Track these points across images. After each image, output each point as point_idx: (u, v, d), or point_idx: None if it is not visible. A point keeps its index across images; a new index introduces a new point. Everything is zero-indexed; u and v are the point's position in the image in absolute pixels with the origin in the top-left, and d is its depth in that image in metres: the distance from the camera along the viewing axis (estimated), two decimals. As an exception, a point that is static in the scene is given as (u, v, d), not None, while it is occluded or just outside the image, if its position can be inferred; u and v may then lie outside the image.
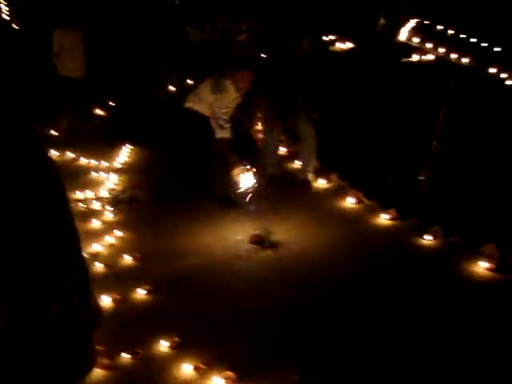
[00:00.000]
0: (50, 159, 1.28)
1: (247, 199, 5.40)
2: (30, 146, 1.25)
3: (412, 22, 9.80)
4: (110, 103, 8.89)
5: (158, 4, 8.10)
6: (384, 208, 5.51)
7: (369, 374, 3.48)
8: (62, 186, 1.31)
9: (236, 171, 5.35)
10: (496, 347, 3.69)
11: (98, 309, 1.49)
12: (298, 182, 6.24)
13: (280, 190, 6.09)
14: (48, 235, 1.23)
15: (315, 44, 6.13)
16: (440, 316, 4.00)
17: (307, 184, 6.20)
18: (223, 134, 5.43)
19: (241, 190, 5.34)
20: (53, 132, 8.20)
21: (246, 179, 5.34)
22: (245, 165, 5.40)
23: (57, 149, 7.46)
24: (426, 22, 9.99)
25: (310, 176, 6.27)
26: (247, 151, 5.94)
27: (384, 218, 5.40)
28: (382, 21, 9.51)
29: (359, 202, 5.74)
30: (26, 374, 1.29)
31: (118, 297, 4.20)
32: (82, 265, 1.38)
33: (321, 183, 6.26)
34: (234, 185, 5.43)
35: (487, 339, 3.76)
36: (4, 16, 10.23)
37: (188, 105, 5.75)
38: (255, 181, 5.36)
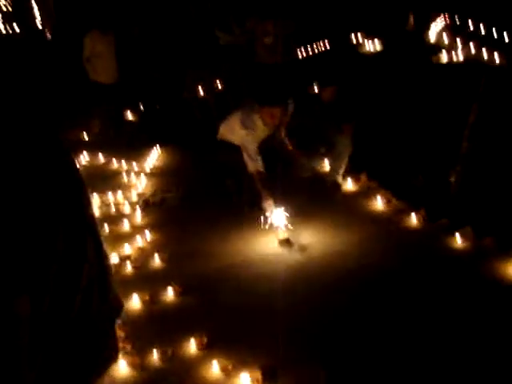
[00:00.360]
0: (74, 166, 1.34)
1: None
2: (55, 156, 1.30)
3: (442, 20, 9.64)
4: (141, 107, 9.04)
5: (186, 8, 8.18)
6: (414, 209, 5.45)
7: (396, 376, 3.45)
8: (84, 191, 1.36)
9: (268, 207, 5.23)
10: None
11: (118, 302, 1.54)
12: (327, 184, 6.21)
13: (309, 192, 6.08)
14: (67, 235, 1.28)
15: (340, 90, 6.10)
16: (470, 319, 3.93)
17: (336, 186, 6.17)
18: (255, 166, 5.33)
19: (272, 227, 5.19)
20: (85, 136, 8.38)
21: (277, 217, 5.16)
22: (277, 201, 5.31)
23: (89, 152, 7.64)
24: (457, 20, 9.83)
25: (340, 179, 6.23)
26: (281, 161, 5.89)
27: (414, 219, 5.34)
28: (412, 20, 9.42)
29: (388, 202, 5.69)
30: (52, 364, 1.34)
31: (147, 297, 4.27)
32: (102, 260, 1.43)
33: (350, 184, 6.22)
34: (264, 219, 5.30)
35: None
36: (38, 24, 10.49)
37: (221, 137, 5.82)
38: (287, 218, 5.15)
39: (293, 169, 6.33)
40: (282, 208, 5.13)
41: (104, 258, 1.41)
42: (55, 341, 1.31)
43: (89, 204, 1.36)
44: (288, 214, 5.14)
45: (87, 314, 1.32)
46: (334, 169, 6.22)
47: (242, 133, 5.42)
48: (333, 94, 6.06)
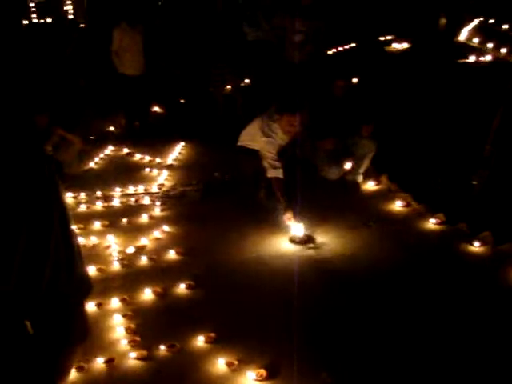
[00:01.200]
0: (41, 156, 1.38)
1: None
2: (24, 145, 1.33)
3: (475, 22, 9.48)
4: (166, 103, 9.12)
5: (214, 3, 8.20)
6: (433, 212, 5.39)
7: (403, 379, 3.42)
8: (52, 175, 1.40)
9: (287, 216, 5.23)
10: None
11: (86, 281, 1.57)
12: (347, 183, 6.19)
13: (328, 190, 6.07)
14: (34, 213, 1.31)
15: (349, 84, 6.09)
16: (485, 324, 3.86)
17: (356, 186, 6.15)
18: (275, 173, 5.40)
19: (293, 237, 5.14)
20: (112, 128, 8.49)
21: (296, 228, 5.14)
22: (295, 210, 5.25)
23: (114, 144, 7.76)
24: (490, 21, 9.64)
25: (360, 178, 6.22)
26: (301, 162, 5.88)
27: (432, 223, 5.27)
28: (444, 20, 9.27)
29: (407, 205, 5.63)
30: (20, 343, 1.37)
31: (159, 290, 4.31)
32: (68, 238, 1.46)
33: (370, 185, 6.19)
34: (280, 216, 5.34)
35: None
36: (69, 16, 10.69)
37: (241, 144, 5.91)
38: (305, 230, 5.14)
39: (314, 168, 6.31)
40: (301, 223, 5.15)
41: (70, 235, 1.44)
42: (23, 318, 1.34)
43: (56, 185, 1.40)
44: (305, 230, 5.14)
45: (55, 291, 1.35)
46: (355, 169, 6.20)
47: (262, 141, 5.51)
48: (342, 87, 6.07)
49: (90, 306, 4.12)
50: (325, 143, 6.17)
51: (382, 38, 9.64)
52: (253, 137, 5.73)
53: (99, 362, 3.55)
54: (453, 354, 3.61)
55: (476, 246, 4.86)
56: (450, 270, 4.58)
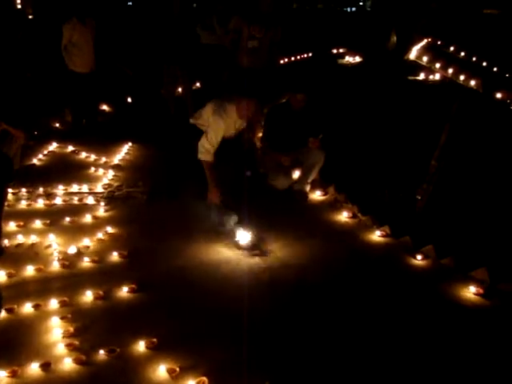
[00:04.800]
0: None
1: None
2: None
3: (424, 41, 9.77)
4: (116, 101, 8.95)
5: (167, 6, 8.05)
6: (378, 225, 5.47)
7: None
8: None
9: (213, 194, 5.30)
10: (478, 371, 3.63)
11: None
12: (294, 192, 6.20)
13: (275, 198, 6.07)
14: None
15: (309, 98, 6.14)
16: (424, 337, 3.93)
17: (303, 195, 6.17)
18: (205, 157, 5.44)
19: (239, 243, 5.08)
20: (57, 125, 8.26)
21: (243, 234, 5.09)
22: (243, 216, 5.27)
23: (59, 141, 7.53)
24: (438, 43, 9.96)
25: (308, 187, 6.24)
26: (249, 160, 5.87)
27: (377, 235, 5.35)
28: (394, 38, 9.50)
29: (354, 216, 5.70)
30: None
31: (100, 293, 4.18)
32: None
33: (317, 195, 6.23)
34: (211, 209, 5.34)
35: (470, 363, 3.70)
36: (18, 6, 10.33)
37: (193, 121, 5.93)
38: (252, 235, 5.09)
39: (262, 176, 6.30)
40: (248, 230, 5.11)
41: None
42: None
43: None
44: (252, 236, 5.10)
45: None
46: (303, 178, 6.22)
47: (210, 119, 5.47)
48: (302, 101, 6.08)
49: (27, 307, 3.96)
50: (282, 159, 6.15)
51: (334, 51, 9.79)
52: (203, 115, 5.71)
53: (34, 367, 3.39)
54: (393, 362, 3.65)
55: (419, 259, 4.96)
56: (393, 281, 4.65)
